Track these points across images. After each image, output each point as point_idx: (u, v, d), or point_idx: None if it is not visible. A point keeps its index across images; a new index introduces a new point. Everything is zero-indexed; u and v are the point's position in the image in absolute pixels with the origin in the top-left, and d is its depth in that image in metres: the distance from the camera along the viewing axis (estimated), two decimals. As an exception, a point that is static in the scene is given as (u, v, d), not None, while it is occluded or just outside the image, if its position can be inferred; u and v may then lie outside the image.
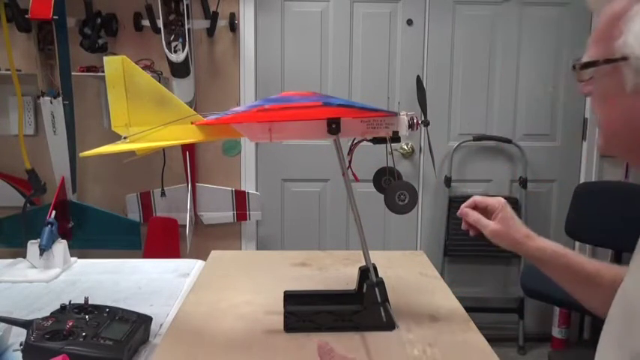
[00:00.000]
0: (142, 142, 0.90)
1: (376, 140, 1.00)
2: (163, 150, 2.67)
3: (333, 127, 0.94)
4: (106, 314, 0.98)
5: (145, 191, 2.69)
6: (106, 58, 0.91)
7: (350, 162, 1.03)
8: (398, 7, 2.77)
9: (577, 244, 2.94)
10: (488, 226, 0.98)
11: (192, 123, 0.92)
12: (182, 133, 0.92)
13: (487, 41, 2.80)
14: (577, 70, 0.74)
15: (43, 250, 1.39)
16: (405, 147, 2.79)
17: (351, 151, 1.03)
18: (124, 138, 0.88)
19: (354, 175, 1.03)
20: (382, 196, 1.02)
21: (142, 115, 0.90)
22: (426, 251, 1.56)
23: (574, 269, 0.94)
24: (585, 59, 0.73)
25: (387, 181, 1.04)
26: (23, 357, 0.87)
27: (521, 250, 0.98)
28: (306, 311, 1.02)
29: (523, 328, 2.87)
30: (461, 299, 1.18)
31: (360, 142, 1.02)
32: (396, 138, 0.98)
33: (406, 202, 0.98)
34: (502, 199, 0.98)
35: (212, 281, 1.31)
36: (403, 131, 0.97)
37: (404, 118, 0.96)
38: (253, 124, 0.94)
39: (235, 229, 2.84)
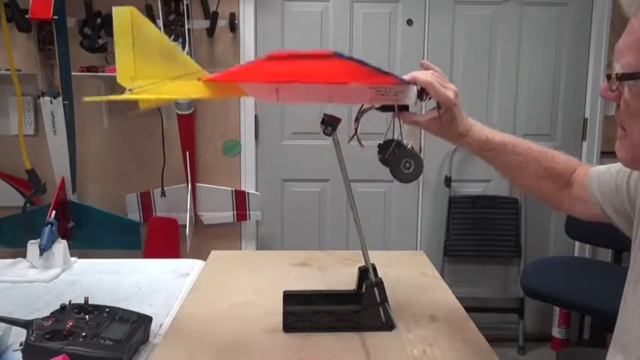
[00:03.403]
0: (147, 95, 0.87)
1: (384, 108, 0.97)
2: (163, 150, 2.67)
3: (329, 129, 0.94)
4: (106, 314, 0.98)
5: (145, 191, 2.70)
6: (114, 8, 0.88)
7: (357, 130, 0.99)
8: (398, 7, 2.77)
9: (577, 244, 2.95)
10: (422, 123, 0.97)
11: (199, 79, 0.90)
12: (188, 88, 0.89)
13: (487, 41, 2.80)
14: (612, 80, 0.69)
15: (43, 250, 1.39)
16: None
17: (358, 119, 1.00)
18: (129, 90, 0.85)
19: (359, 142, 0.99)
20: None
21: (149, 69, 0.86)
22: (426, 251, 1.56)
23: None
24: (626, 69, 0.68)
25: (392, 152, 1.02)
26: (23, 357, 0.87)
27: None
28: (305, 311, 1.02)
29: (523, 328, 2.87)
30: (461, 299, 1.18)
31: (367, 110, 0.98)
32: (404, 107, 0.95)
33: (412, 169, 0.96)
34: (450, 99, 0.92)
35: (212, 281, 1.31)
36: (412, 101, 0.93)
37: (414, 88, 0.92)
38: (260, 84, 0.88)
39: (235, 229, 2.84)
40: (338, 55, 0.85)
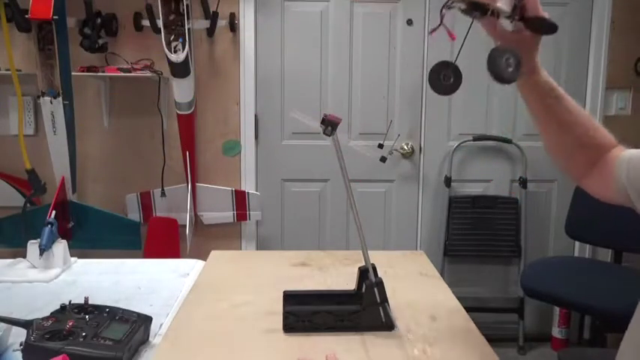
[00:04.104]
0: None
1: (472, 7, 0.90)
2: (163, 150, 2.67)
3: (329, 129, 0.94)
4: (106, 314, 0.98)
5: (145, 191, 2.70)
6: None
7: (442, 19, 0.92)
8: (398, 7, 2.77)
9: (577, 244, 2.95)
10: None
11: None
12: None
13: (487, 41, 2.80)
14: None
15: (43, 250, 1.39)
16: (405, 147, 2.79)
17: (446, 7, 0.92)
18: None
19: (449, 33, 0.93)
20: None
21: None
22: (426, 251, 1.56)
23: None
24: None
25: (445, 76, 0.96)
26: (23, 357, 0.87)
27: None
28: (305, 311, 1.02)
29: (523, 328, 2.87)
30: (461, 299, 1.18)
31: (454, 5, 0.92)
32: (494, 15, 0.89)
33: (513, 68, 0.86)
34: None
35: (212, 281, 1.31)
36: (506, 8, 0.87)
37: None
38: None
39: (235, 229, 2.84)
40: None
